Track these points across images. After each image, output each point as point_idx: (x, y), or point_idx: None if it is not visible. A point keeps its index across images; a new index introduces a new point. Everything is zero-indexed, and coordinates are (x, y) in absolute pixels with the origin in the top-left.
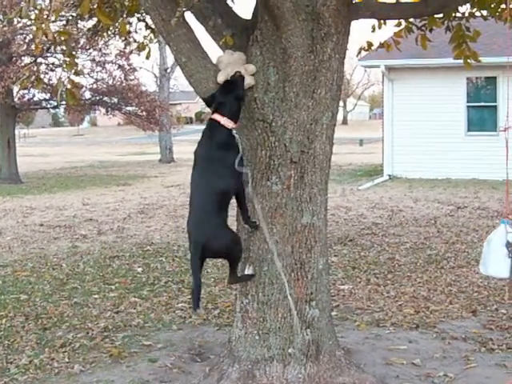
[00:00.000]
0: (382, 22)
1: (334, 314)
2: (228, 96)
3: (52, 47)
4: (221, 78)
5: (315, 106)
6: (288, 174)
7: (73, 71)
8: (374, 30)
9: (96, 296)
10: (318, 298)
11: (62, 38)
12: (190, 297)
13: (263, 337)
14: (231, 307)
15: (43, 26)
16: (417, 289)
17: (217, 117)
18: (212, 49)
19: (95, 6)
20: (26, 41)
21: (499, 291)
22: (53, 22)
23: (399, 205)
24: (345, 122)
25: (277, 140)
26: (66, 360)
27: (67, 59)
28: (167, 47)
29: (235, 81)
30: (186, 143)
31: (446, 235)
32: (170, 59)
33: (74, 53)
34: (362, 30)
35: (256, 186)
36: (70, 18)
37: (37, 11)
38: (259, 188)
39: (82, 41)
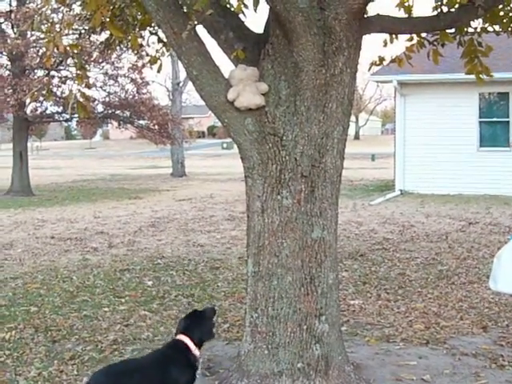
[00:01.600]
0: (393, 36)
1: (343, 328)
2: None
3: (64, 60)
4: (231, 96)
5: (326, 120)
6: (299, 188)
7: (84, 84)
8: (385, 44)
9: (106, 309)
10: (327, 312)
11: (74, 51)
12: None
13: (272, 351)
14: (241, 321)
15: (55, 38)
16: (427, 304)
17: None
18: (223, 62)
19: (107, 20)
20: (39, 54)
21: (510, 307)
22: (65, 35)
23: (410, 220)
24: (357, 137)
25: (288, 154)
26: (75, 373)
27: (79, 72)
28: (179, 61)
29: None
30: (198, 157)
31: (458, 251)
32: (183, 73)
33: (85, 66)
34: (374, 45)
35: (267, 199)
36: (83, 31)
37: (49, 24)
38: (270, 202)
39: (95, 54)
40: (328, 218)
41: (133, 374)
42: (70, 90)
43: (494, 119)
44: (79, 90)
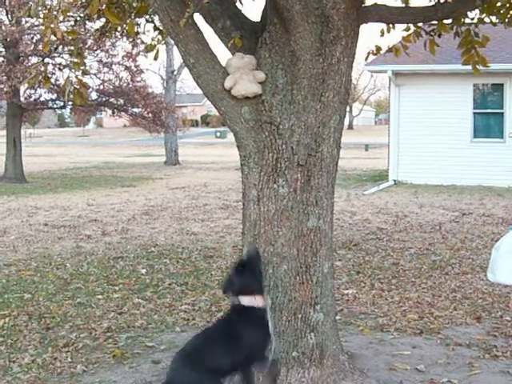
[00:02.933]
0: (390, 26)
1: (337, 318)
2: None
3: (59, 47)
4: (228, 84)
5: (323, 110)
6: (295, 176)
7: (81, 71)
8: (382, 34)
9: (100, 296)
10: (322, 301)
11: (70, 38)
12: (193, 299)
13: None
14: None
15: (52, 25)
16: (421, 294)
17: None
18: (220, 50)
19: (103, 7)
20: (34, 41)
21: (504, 298)
22: (61, 21)
23: (404, 210)
24: (350, 126)
25: (284, 143)
26: (69, 360)
27: (75, 59)
28: (174, 49)
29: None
30: (192, 146)
31: (451, 241)
32: (177, 61)
33: (82, 53)
34: (369, 35)
35: (262, 188)
36: (78, 18)
37: (46, 10)
38: (266, 190)
39: (90, 41)
40: (324, 207)
41: None
42: (67, 77)
43: (488, 110)
44: (76, 77)
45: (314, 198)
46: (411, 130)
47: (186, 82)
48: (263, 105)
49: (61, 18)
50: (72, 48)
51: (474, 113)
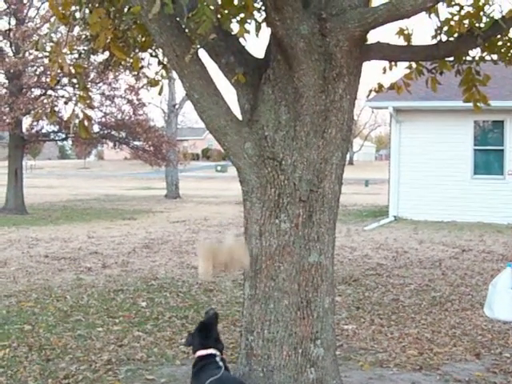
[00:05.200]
0: (393, 63)
1: (337, 353)
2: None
3: (63, 80)
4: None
5: (325, 146)
6: (297, 212)
7: (86, 104)
8: (384, 71)
9: (100, 329)
10: (323, 336)
11: (76, 71)
12: None
13: (267, 374)
14: (235, 344)
15: (59, 59)
16: (421, 330)
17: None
18: (223, 83)
19: (109, 41)
20: (37, 73)
21: (503, 335)
22: (67, 55)
23: (404, 246)
24: (351, 162)
25: (286, 178)
26: None
27: (81, 92)
28: (176, 83)
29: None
30: (192, 179)
31: (451, 278)
32: (179, 95)
33: (87, 86)
34: (370, 71)
35: (264, 223)
36: (83, 51)
37: (53, 44)
38: (267, 226)
39: (92, 74)
40: (325, 242)
41: None
42: (73, 111)
43: (489, 147)
44: (82, 111)
45: (316, 234)
46: (412, 166)
47: (188, 116)
48: (266, 140)
49: (65, 51)
50: (76, 81)
51: (475, 149)
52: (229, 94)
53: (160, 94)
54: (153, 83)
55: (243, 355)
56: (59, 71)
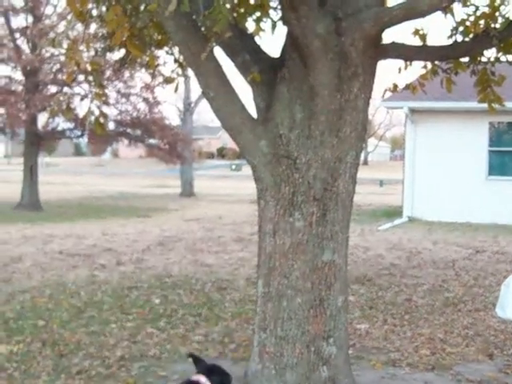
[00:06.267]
0: (408, 63)
1: (350, 352)
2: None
3: (79, 77)
4: None
5: (340, 145)
6: (311, 210)
7: (102, 101)
8: (400, 71)
9: (113, 325)
10: (335, 335)
11: (92, 68)
12: (206, 330)
13: (280, 372)
14: (247, 342)
15: (76, 56)
16: (434, 330)
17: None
18: (239, 83)
19: (125, 39)
20: (53, 70)
21: None
22: (83, 52)
23: (418, 246)
24: (365, 162)
25: (301, 177)
26: None
27: (96, 89)
28: (192, 81)
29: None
30: (207, 178)
31: (464, 278)
32: (194, 94)
33: (103, 83)
34: (386, 72)
35: (278, 221)
36: (99, 49)
37: (69, 41)
38: (281, 224)
39: (108, 72)
40: (339, 241)
41: None
42: (89, 108)
43: (504, 148)
44: (98, 108)
45: (330, 232)
46: (426, 167)
47: (203, 115)
48: (281, 139)
49: (82, 48)
50: (91, 78)
51: (490, 150)
52: (244, 92)
53: (176, 91)
54: (169, 80)
55: (256, 353)
56: (75, 68)
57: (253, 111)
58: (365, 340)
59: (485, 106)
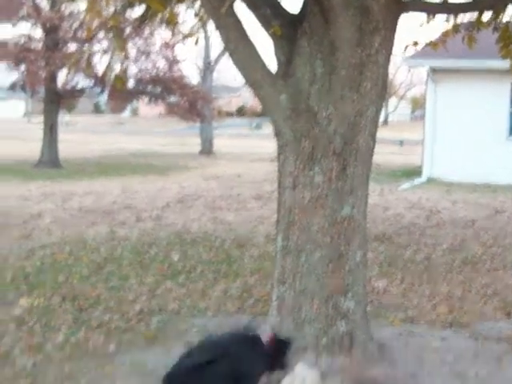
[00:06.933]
0: (430, 16)
1: (367, 309)
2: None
3: (99, 34)
4: None
5: (360, 100)
6: (330, 165)
7: (122, 55)
8: (422, 25)
9: (133, 280)
10: (354, 289)
11: (112, 24)
12: (225, 286)
13: (298, 325)
14: (266, 297)
15: (95, 12)
16: (452, 289)
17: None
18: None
19: None
20: (73, 27)
21: None
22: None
23: (437, 206)
24: (385, 122)
25: (321, 131)
26: (102, 340)
27: (116, 44)
28: (212, 39)
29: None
30: (226, 136)
31: (483, 238)
32: (214, 52)
33: (122, 37)
34: (407, 30)
35: (298, 176)
36: (119, 5)
37: None
38: (301, 178)
39: (128, 30)
40: (358, 196)
41: None
42: (109, 62)
43: None
44: (117, 63)
45: (349, 187)
46: (446, 127)
47: (223, 74)
48: (301, 93)
49: (102, 4)
50: (111, 35)
51: (511, 112)
52: (266, 47)
53: (196, 43)
54: (189, 35)
55: (274, 307)
56: (95, 24)
57: (274, 67)
58: (383, 297)
59: (507, 66)
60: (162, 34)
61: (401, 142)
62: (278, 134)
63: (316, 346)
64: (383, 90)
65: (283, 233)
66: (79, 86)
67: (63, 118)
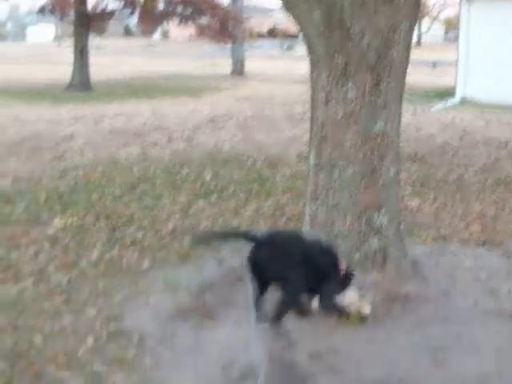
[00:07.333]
0: None
1: (400, 227)
2: None
3: None
4: None
5: (394, 14)
6: (364, 80)
7: None
8: None
9: (165, 200)
10: (387, 206)
11: None
12: (257, 205)
13: (331, 241)
14: (298, 216)
15: None
16: (484, 208)
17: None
18: None
19: None
20: None
21: None
22: None
23: (470, 126)
24: (418, 43)
25: (354, 46)
26: (136, 257)
27: None
28: None
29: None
30: (258, 58)
31: None
32: None
33: None
34: None
35: (331, 91)
36: None
37: None
38: (334, 93)
39: None
40: (392, 111)
41: None
42: None
43: None
44: None
45: (383, 102)
46: (481, 47)
47: None
48: (334, 8)
49: None
50: None
51: None
52: None
53: None
54: None
55: (307, 222)
56: None
57: None
58: (416, 216)
59: None
60: None
61: (434, 64)
62: (310, 50)
63: (349, 262)
64: (416, 5)
65: (316, 149)
66: (109, 8)
67: (93, 41)
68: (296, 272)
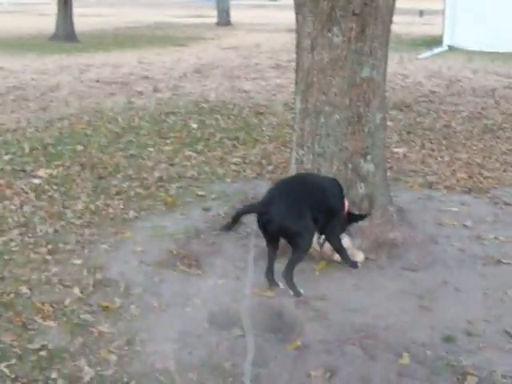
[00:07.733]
0: None
1: (387, 174)
2: None
3: None
4: None
5: None
6: (349, 26)
7: None
8: None
9: (151, 149)
10: (373, 152)
11: None
12: (244, 153)
13: None
14: (285, 164)
15: None
16: (471, 156)
17: None
18: None
19: None
20: None
21: None
22: None
23: (457, 75)
24: None
25: None
26: (121, 207)
27: None
28: None
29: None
30: (243, 7)
31: (504, 106)
32: None
33: None
34: None
35: (316, 37)
36: None
37: None
38: (319, 39)
39: None
40: (378, 57)
41: None
42: None
43: None
44: None
45: (368, 48)
46: None
47: None
48: None
49: None
50: None
51: None
52: None
53: None
54: None
55: (293, 170)
56: None
57: None
58: (402, 163)
59: None
60: None
61: (421, 12)
62: None
63: None
64: None
65: (301, 96)
66: None
67: None
68: (307, 225)
